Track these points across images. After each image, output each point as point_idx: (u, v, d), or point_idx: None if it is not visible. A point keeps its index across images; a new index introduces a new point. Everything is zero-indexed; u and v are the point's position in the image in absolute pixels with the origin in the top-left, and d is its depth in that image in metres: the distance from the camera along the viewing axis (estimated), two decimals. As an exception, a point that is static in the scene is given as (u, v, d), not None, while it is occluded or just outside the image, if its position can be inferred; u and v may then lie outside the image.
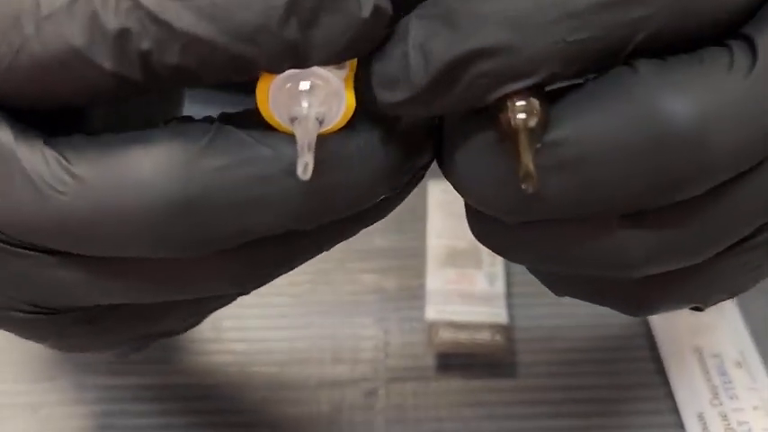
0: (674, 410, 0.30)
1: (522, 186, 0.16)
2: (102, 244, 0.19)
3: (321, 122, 0.17)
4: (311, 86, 0.17)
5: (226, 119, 0.18)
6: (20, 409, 0.31)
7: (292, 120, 0.17)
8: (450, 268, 0.34)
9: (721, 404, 0.30)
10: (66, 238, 0.19)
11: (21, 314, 0.21)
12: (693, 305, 0.22)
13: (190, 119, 0.19)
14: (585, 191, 0.17)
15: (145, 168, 0.17)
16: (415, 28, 0.17)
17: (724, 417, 0.30)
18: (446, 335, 0.32)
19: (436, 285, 0.33)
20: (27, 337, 0.22)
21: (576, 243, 0.19)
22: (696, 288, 0.20)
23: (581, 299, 0.22)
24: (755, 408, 0.30)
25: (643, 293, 0.21)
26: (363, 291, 0.35)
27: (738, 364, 0.32)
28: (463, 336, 0.32)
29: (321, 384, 0.32)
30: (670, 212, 0.18)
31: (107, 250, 0.19)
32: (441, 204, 0.37)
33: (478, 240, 0.21)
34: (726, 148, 0.17)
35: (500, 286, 0.33)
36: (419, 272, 0.35)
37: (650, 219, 0.18)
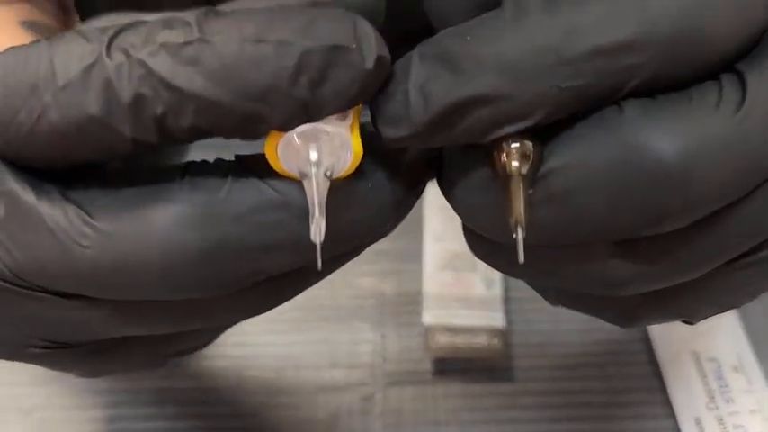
0: (671, 414, 0.30)
1: (513, 234, 0.17)
2: (123, 291, 0.19)
3: (330, 176, 0.18)
4: (319, 144, 0.18)
5: (239, 162, 0.19)
6: (12, 412, 0.31)
7: (302, 174, 0.18)
8: (447, 272, 0.34)
9: (717, 408, 0.30)
10: (89, 286, 0.19)
11: (40, 350, 0.21)
12: (682, 319, 0.22)
13: (205, 165, 0.19)
14: (573, 222, 0.18)
15: (167, 223, 0.18)
16: (416, 68, 0.18)
17: (720, 420, 0.30)
18: (443, 339, 0.32)
19: (433, 289, 0.33)
20: (50, 368, 0.23)
21: (568, 265, 0.20)
22: (685, 303, 0.21)
23: (573, 309, 0.23)
24: (752, 411, 0.30)
25: (633, 308, 0.21)
26: (361, 295, 0.35)
27: (735, 369, 0.32)
28: (460, 340, 0.32)
29: (318, 389, 0.32)
30: (657, 241, 0.19)
31: (127, 296, 0.19)
32: (438, 208, 0.37)
33: (475, 256, 0.22)
34: (711, 184, 0.17)
35: (497, 290, 0.33)
36: (417, 276, 0.35)
37: (638, 246, 0.19)
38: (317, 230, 0.17)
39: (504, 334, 0.32)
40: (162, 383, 0.32)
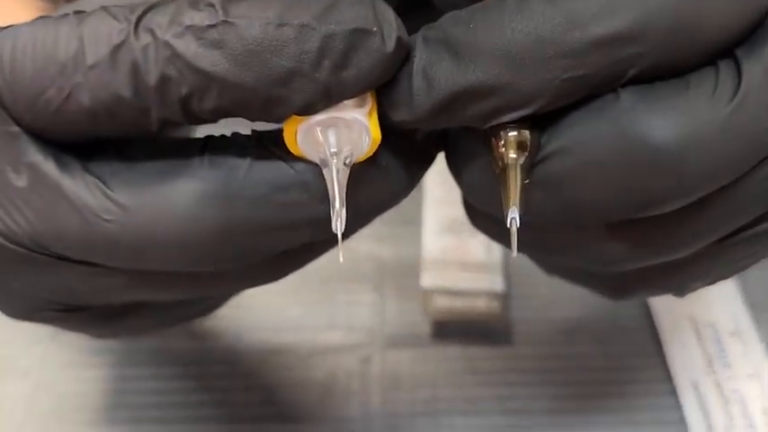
0: (669, 379, 0.31)
1: (507, 223, 0.18)
2: (141, 263, 0.19)
3: (349, 163, 0.18)
4: (338, 132, 0.18)
5: (257, 139, 0.19)
6: (9, 372, 0.31)
7: (322, 162, 0.18)
8: (446, 236, 0.34)
9: (715, 372, 0.30)
10: (107, 257, 0.19)
11: (54, 313, 0.22)
12: (672, 293, 0.23)
13: (224, 140, 0.19)
14: (570, 205, 0.19)
15: (188, 201, 0.18)
16: (420, 53, 0.18)
17: (717, 385, 0.30)
18: (442, 302, 0.32)
19: (433, 253, 0.33)
20: (62, 329, 0.24)
21: (563, 244, 0.21)
22: (674, 279, 0.22)
23: (567, 280, 0.24)
24: (749, 376, 0.30)
25: (623, 282, 0.22)
26: (360, 258, 0.35)
27: (733, 334, 0.32)
28: (459, 303, 0.32)
29: (317, 350, 0.32)
30: (651, 221, 0.19)
31: (144, 267, 0.20)
32: (438, 173, 0.37)
33: (474, 227, 0.23)
34: (705, 169, 0.18)
35: (497, 254, 0.33)
36: (416, 239, 0.35)
37: (632, 226, 0.20)
38: (338, 220, 0.18)
39: (503, 298, 0.32)
40: (159, 343, 0.32)
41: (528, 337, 0.32)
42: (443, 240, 0.34)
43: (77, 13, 0.18)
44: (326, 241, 0.20)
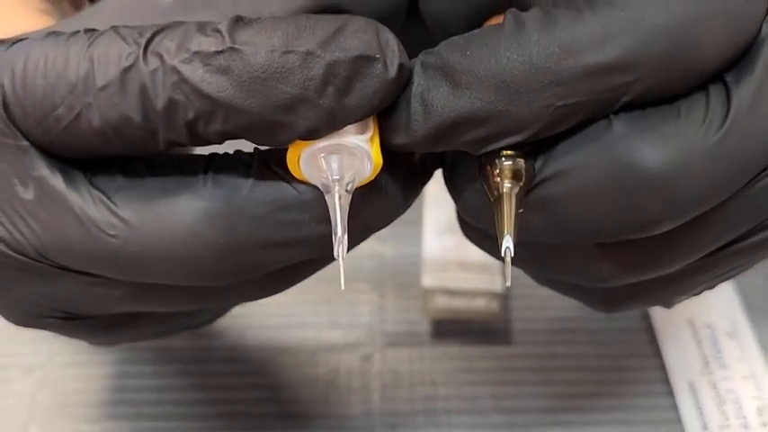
0: (665, 379, 0.31)
1: (501, 253, 0.18)
2: (143, 276, 0.20)
3: (351, 189, 0.18)
4: (341, 159, 0.18)
5: (260, 158, 0.19)
6: (13, 370, 0.32)
7: (324, 188, 0.18)
8: (447, 236, 0.34)
9: (711, 373, 0.31)
10: (110, 269, 0.20)
11: (56, 320, 0.22)
12: (659, 305, 0.24)
13: (227, 159, 0.20)
14: (562, 228, 0.19)
15: (190, 219, 0.19)
16: (418, 77, 0.18)
17: (713, 385, 0.30)
18: (442, 301, 0.32)
19: (433, 252, 0.34)
20: (64, 335, 0.24)
21: (554, 260, 0.21)
22: (662, 292, 0.23)
23: (558, 292, 0.24)
24: (744, 377, 0.30)
25: (613, 296, 0.23)
26: (360, 256, 0.35)
27: (729, 335, 0.32)
28: (459, 303, 0.32)
29: (318, 349, 0.32)
30: (641, 241, 0.19)
31: (146, 280, 0.20)
32: (439, 174, 0.37)
33: (468, 239, 0.23)
34: (694, 195, 0.18)
35: (496, 255, 0.34)
36: (416, 239, 0.35)
37: (622, 246, 0.20)
38: (340, 248, 0.18)
39: (502, 298, 0.32)
40: (163, 342, 0.32)
41: (526, 337, 0.32)
42: (443, 241, 0.34)
43: (88, 31, 0.18)
44: (326, 257, 0.21)
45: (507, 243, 0.18)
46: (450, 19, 0.21)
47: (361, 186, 0.19)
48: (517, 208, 0.18)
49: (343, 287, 0.19)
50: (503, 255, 0.18)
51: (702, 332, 0.32)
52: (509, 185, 0.18)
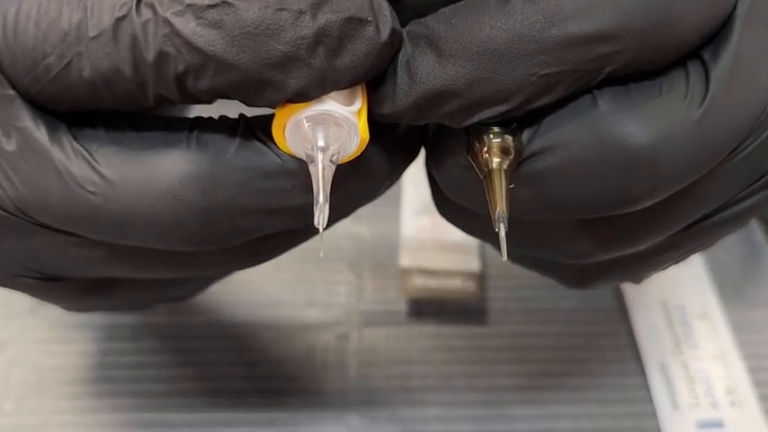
0: (637, 358, 0.31)
1: (495, 228, 0.18)
2: (121, 237, 0.19)
3: (335, 161, 0.18)
4: (327, 129, 0.18)
5: (245, 123, 0.19)
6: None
7: (308, 158, 0.18)
8: (424, 216, 0.34)
9: (682, 353, 0.31)
10: (89, 228, 0.19)
11: (32, 280, 0.22)
12: (629, 281, 0.24)
13: (211, 122, 0.19)
14: (548, 204, 0.19)
15: (171, 179, 0.18)
16: (405, 47, 0.18)
17: (684, 365, 0.31)
18: (419, 281, 0.32)
19: (410, 232, 0.34)
20: (38, 299, 0.24)
21: (534, 237, 0.21)
22: (633, 268, 0.23)
23: (529, 269, 0.25)
24: (714, 357, 0.31)
25: (585, 273, 0.23)
26: (338, 236, 0.35)
27: (701, 316, 0.33)
28: (436, 282, 0.32)
29: (295, 327, 0.32)
30: (619, 217, 0.20)
31: (124, 241, 0.20)
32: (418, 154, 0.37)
33: (445, 219, 0.23)
34: (677, 170, 0.18)
35: (473, 235, 0.34)
36: (394, 219, 0.35)
37: (601, 222, 0.20)
38: (321, 216, 0.18)
39: (478, 278, 0.32)
40: (139, 318, 0.32)
41: (501, 317, 0.33)
42: (421, 221, 0.34)
43: None
44: (306, 230, 0.21)
45: (501, 218, 0.18)
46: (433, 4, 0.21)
47: (346, 161, 0.19)
48: (508, 183, 0.18)
49: (321, 255, 0.19)
50: (497, 230, 0.18)
51: (674, 313, 0.33)
52: (498, 161, 0.18)
